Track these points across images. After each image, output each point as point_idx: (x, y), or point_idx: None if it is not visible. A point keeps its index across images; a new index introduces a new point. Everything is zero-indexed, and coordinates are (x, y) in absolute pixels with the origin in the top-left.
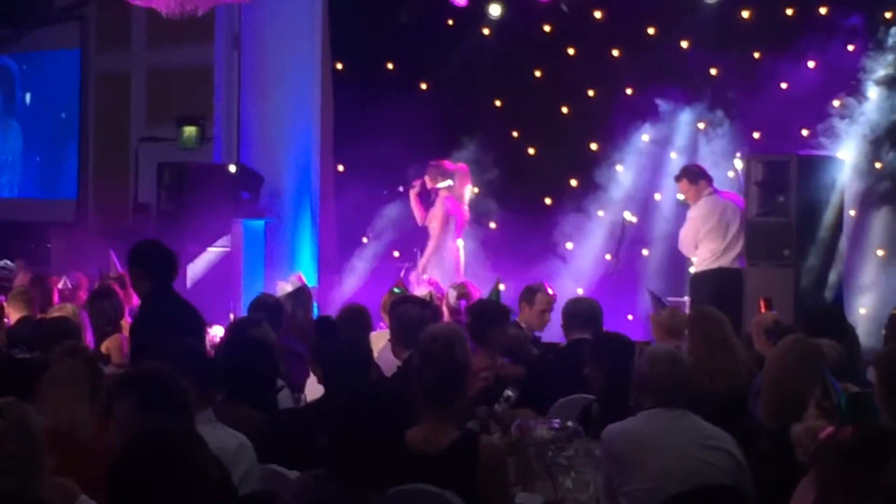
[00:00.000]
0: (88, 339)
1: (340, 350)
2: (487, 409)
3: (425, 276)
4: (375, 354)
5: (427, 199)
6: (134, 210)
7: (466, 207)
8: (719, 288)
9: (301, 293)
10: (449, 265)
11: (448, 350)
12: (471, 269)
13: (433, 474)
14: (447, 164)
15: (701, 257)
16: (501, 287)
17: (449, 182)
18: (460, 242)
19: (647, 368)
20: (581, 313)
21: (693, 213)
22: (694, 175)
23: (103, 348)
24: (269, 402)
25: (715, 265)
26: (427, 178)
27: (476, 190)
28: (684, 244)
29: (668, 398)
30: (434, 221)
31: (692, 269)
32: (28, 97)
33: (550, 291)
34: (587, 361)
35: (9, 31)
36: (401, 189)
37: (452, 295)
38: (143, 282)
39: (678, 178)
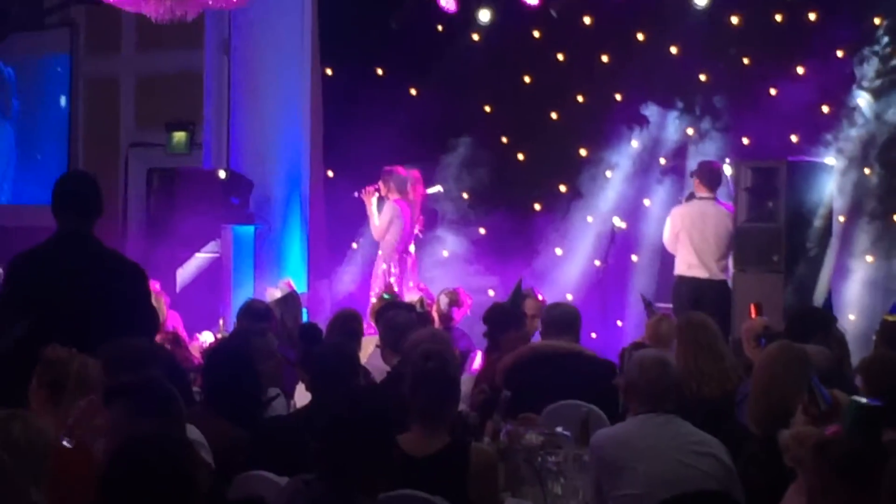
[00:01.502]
0: None
1: (326, 356)
2: (477, 416)
3: (391, 279)
4: (365, 359)
5: (383, 205)
6: (123, 216)
7: (419, 213)
8: (698, 297)
9: (290, 299)
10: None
11: (442, 368)
12: (460, 274)
13: (423, 477)
14: (401, 169)
15: (676, 261)
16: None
17: (438, 188)
18: (412, 248)
19: (636, 374)
20: (557, 319)
21: (672, 211)
22: (697, 172)
23: None
24: (250, 416)
25: (688, 273)
26: (381, 185)
27: (466, 196)
28: (665, 241)
29: (656, 403)
30: (381, 226)
31: (675, 272)
32: (20, 103)
33: (540, 297)
34: (621, 370)
35: None
36: (356, 194)
37: (444, 301)
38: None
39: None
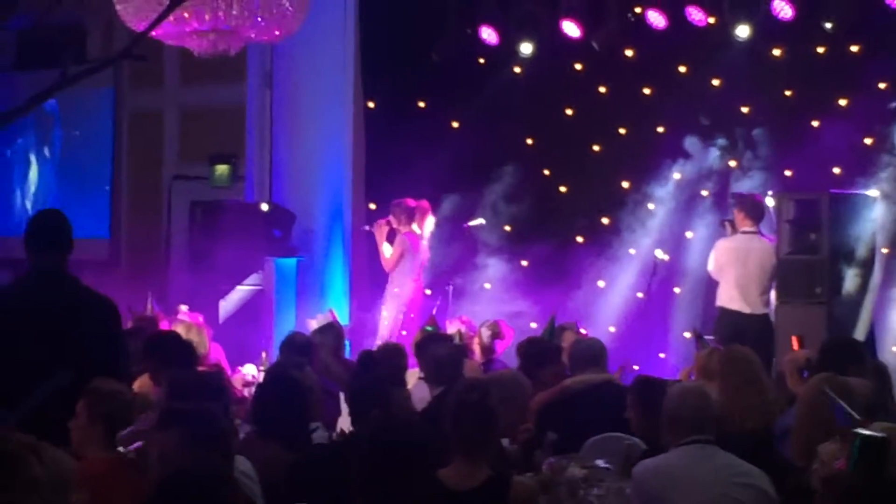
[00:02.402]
0: None
1: (362, 387)
2: (520, 450)
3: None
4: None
5: (394, 238)
6: (167, 248)
7: (426, 243)
8: (739, 330)
9: (328, 329)
10: (402, 302)
11: (482, 398)
12: (501, 306)
13: None
14: (409, 201)
15: (719, 293)
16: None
17: (480, 220)
18: None
19: (677, 402)
20: (584, 353)
21: (717, 243)
22: (740, 205)
23: (135, 387)
24: (300, 442)
25: (731, 306)
26: (392, 218)
27: (508, 228)
28: (710, 270)
29: (698, 430)
30: (391, 258)
31: (717, 303)
32: (64, 136)
33: (583, 331)
34: (629, 405)
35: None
36: (366, 228)
37: (486, 334)
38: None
39: (734, 203)
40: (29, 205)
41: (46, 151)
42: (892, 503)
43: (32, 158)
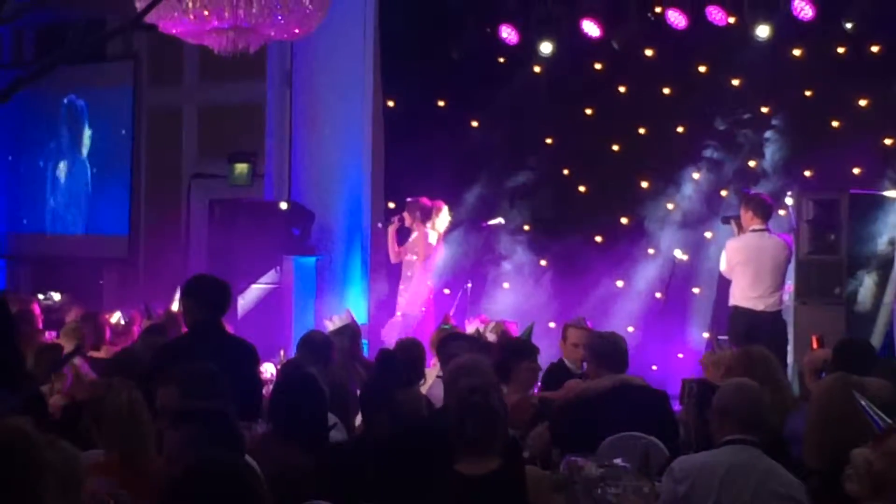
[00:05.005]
0: None
1: (372, 389)
2: (532, 444)
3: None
4: (426, 389)
5: (404, 236)
6: (185, 246)
7: (441, 241)
8: (753, 328)
9: (343, 330)
10: (418, 300)
11: (485, 399)
12: (520, 306)
13: (479, 497)
14: (425, 200)
15: (732, 291)
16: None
17: (500, 220)
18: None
19: (731, 396)
20: (604, 350)
21: (727, 243)
22: (749, 204)
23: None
24: (318, 441)
25: (744, 305)
26: (406, 216)
27: (527, 227)
28: (722, 270)
29: (747, 429)
30: (417, 256)
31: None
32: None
33: (588, 326)
34: (684, 405)
35: (66, 70)
36: (379, 225)
37: (492, 338)
38: (195, 314)
39: (741, 202)
40: (53, 202)
41: (78, 151)
42: None
43: (64, 158)
